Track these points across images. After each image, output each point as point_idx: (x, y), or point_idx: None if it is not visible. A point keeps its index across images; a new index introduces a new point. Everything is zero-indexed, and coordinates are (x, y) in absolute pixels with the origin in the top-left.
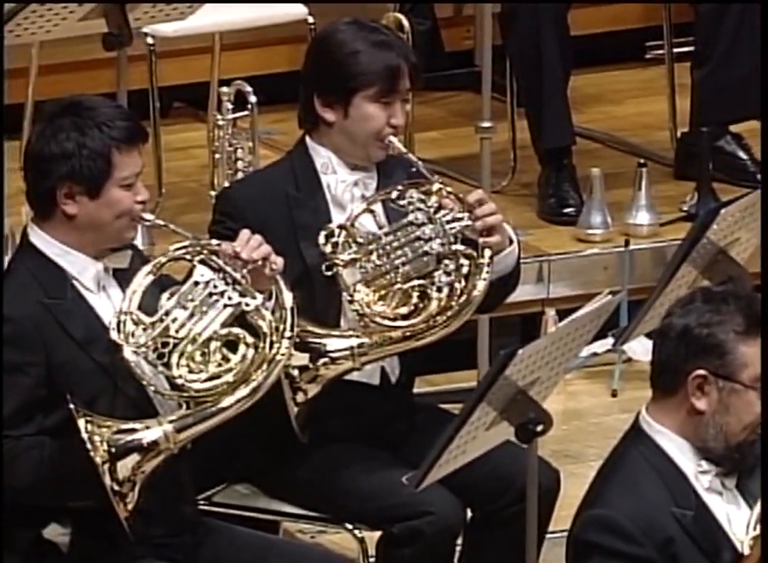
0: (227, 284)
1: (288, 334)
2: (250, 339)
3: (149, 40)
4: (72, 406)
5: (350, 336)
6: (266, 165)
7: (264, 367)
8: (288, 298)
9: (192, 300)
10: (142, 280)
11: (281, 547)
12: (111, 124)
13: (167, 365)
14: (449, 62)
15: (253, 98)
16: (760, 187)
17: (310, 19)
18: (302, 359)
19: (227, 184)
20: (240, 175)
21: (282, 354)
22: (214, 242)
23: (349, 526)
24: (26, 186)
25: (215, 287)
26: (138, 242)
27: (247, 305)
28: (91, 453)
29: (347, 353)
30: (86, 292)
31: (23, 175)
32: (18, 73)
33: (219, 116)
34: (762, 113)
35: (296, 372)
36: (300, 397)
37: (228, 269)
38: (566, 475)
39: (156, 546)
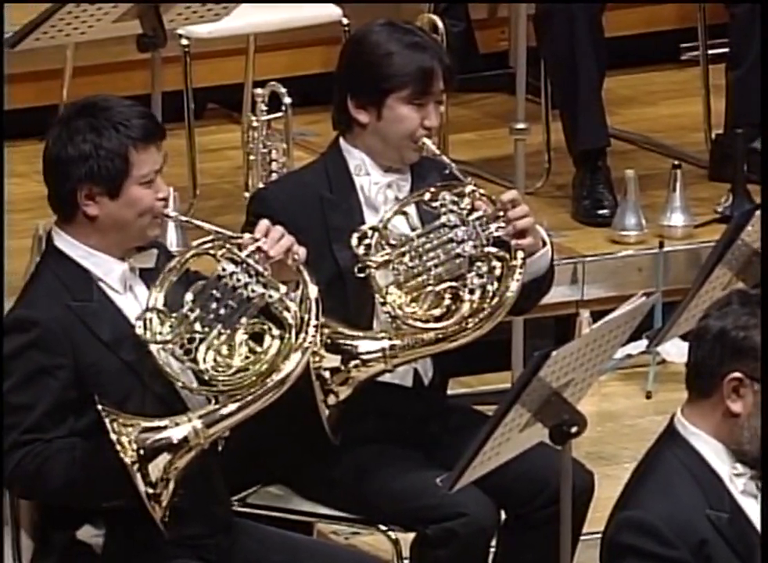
0: (250, 276)
1: (314, 322)
2: (276, 331)
3: (184, 41)
4: (100, 407)
5: (382, 338)
6: (300, 167)
7: (291, 357)
8: (312, 288)
9: (216, 294)
10: (167, 276)
11: (314, 548)
12: (127, 123)
13: (194, 360)
14: (483, 64)
15: (287, 100)
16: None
17: (345, 21)
18: (333, 361)
19: (261, 186)
20: (274, 176)
21: (309, 343)
22: (247, 236)
23: (383, 527)
24: (47, 190)
25: (238, 280)
26: (173, 243)
27: (271, 297)
28: (121, 455)
29: (379, 354)
30: (112, 292)
31: (44, 179)
32: (52, 74)
33: (253, 118)
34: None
35: (327, 374)
36: (332, 399)
37: (251, 261)
38: (600, 477)
39: (189, 546)
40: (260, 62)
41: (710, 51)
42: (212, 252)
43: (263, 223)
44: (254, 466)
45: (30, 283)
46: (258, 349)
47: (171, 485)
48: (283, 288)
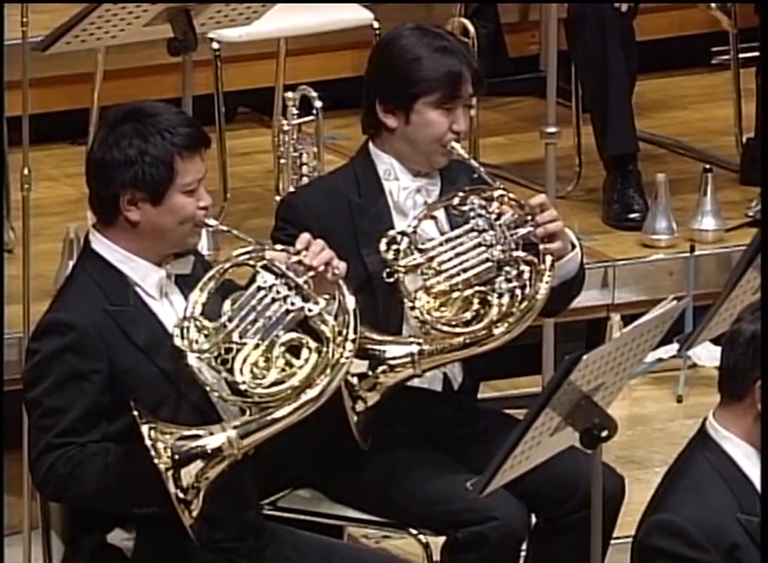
0: (289, 289)
1: (351, 336)
2: (313, 344)
3: (215, 45)
4: (135, 412)
5: (410, 343)
6: (329, 171)
7: (328, 371)
8: (350, 301)
9: (255, 306)
10: (205, 285)
11: (345, 552)
12: (173, 131)
13: (230, 371)
14: (514, 68)
15: (318, 104)
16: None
17: (376, 25)
18: (361, 366)
19: (292, 190)
20: (305, 180)
21: (346, 357)
22: (278, 247)
23: (414, 531)
24: (89, 193)
25: (278, 292)
26: (204, 247)
27: (310, 310)
28: (155, 460)
29: (407, 359)
30: (148, 298)
31: (86, 182)
32: (83, 78)
33: (284, 122)
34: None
35: (355, 380)
36: (360, 406)
37: (291, 274)
38: (631, 481)
39: (220, 550)
40: (290, 65)
41: (741, 55)
42: (251, 263)
43: (305, 236)
44: (284, 470)
45: (66, 286)
46: (295, 362)
47: (201, 495)
48: (323, 302)
